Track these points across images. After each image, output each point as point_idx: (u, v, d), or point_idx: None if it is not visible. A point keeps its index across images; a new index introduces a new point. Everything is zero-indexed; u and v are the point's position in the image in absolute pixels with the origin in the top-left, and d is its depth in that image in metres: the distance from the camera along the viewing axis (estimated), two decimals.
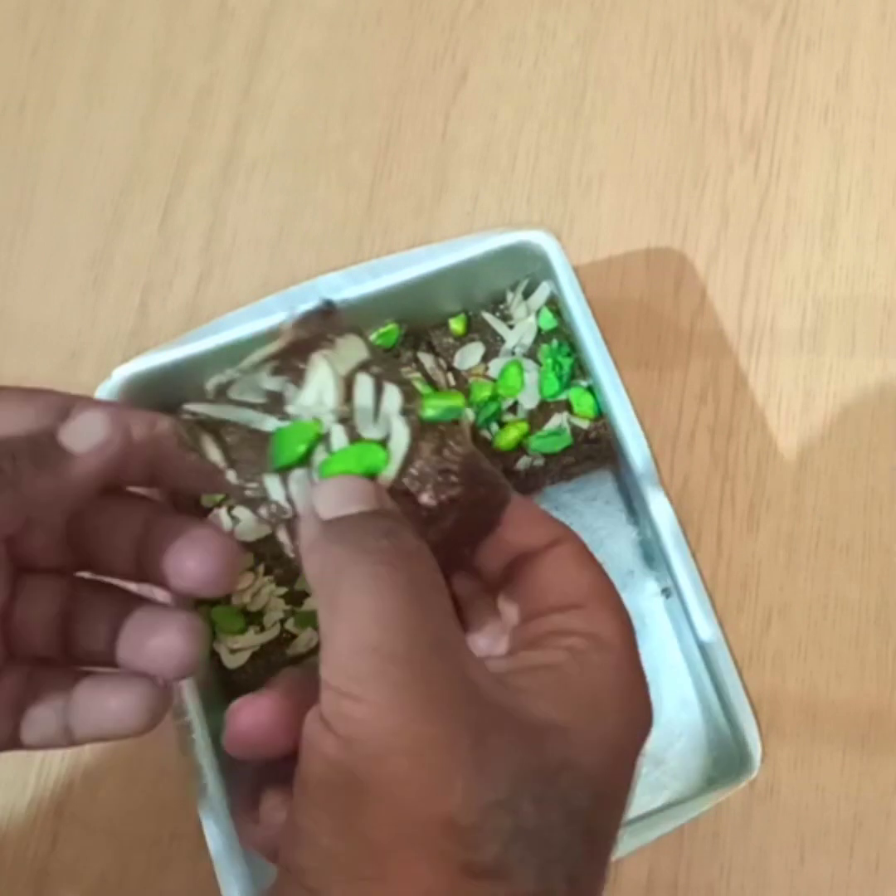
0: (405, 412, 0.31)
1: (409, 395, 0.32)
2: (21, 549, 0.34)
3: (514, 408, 0.48)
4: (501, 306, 0.50)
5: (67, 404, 0.33)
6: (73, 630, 0.34)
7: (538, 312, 0.49)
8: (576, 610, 0.30)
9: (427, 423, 0.31)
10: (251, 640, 0.46)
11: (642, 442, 0.45)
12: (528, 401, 0.48)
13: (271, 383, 0.32)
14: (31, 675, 0.33)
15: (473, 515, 0.31)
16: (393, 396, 0.32)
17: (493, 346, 0.50)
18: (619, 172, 0.56)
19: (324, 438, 0.30)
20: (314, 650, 0.45)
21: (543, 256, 0.47)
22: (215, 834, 0.42)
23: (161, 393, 0.48)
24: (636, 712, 0.30)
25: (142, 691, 0.32)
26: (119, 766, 0.49)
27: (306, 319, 0.33)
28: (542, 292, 0.50)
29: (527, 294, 0.50)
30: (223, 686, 0.46)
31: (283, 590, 0.46)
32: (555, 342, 0.49)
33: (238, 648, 0.46)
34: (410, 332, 0.50)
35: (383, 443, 0.31)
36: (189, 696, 0.43)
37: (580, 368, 0.48)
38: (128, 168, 0.59)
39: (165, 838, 0.48)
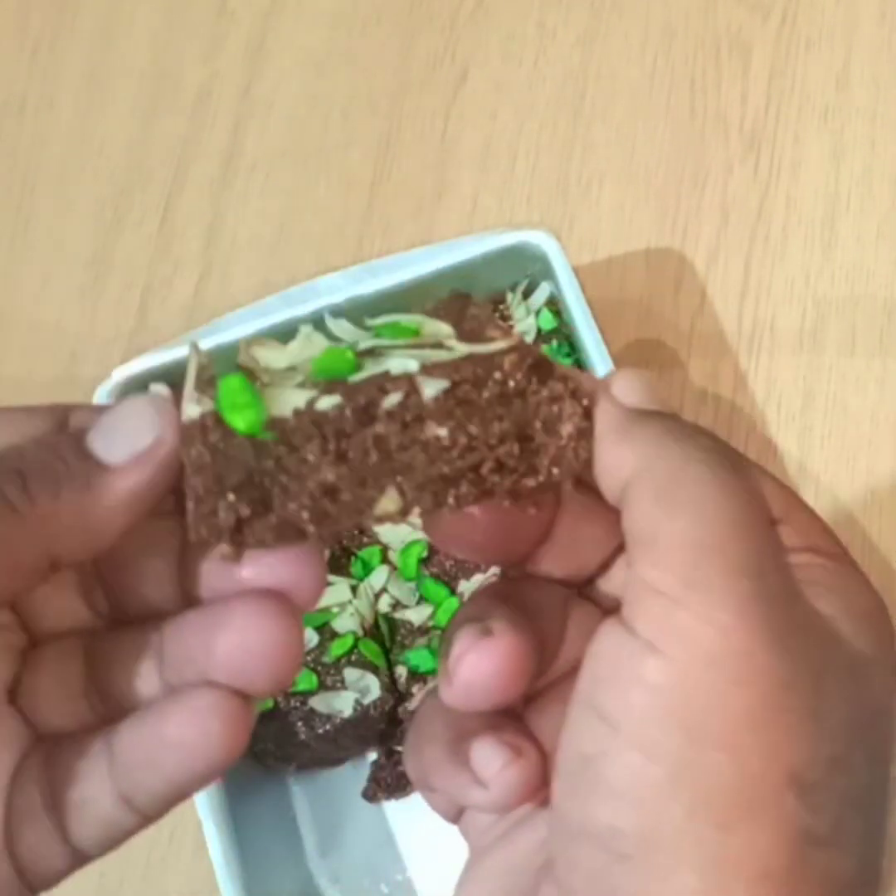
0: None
1: None
2: (33, 609, 0.25)
3: None
4: (501, 306, 0.50)
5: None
6: (101, 682, 0.25)
7: (538, 313, 0.49)
8: (781, 526, 0.24)
9: None
10: None
11: None
12: None
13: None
14: (54, 755, 0.24)
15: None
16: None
17: None
18: (619, 172, 0.56)
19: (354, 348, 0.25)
20: (314, 650, 0.45)
21: (543, 257, 0.47)
22: (215, 834, 0.42)
23: None
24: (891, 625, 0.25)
25: (206, 702, 0.22)
26: None
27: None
28: (542, 292, 0.50)
29: (527, 294, 0.50)
30: None
31: None
32: (555, 342, 0.49)
33: None
34: None
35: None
36: None
37: (580, 369, 0.48)
38: (128, 168, 0.59)
39: (165, 838, 0.48)
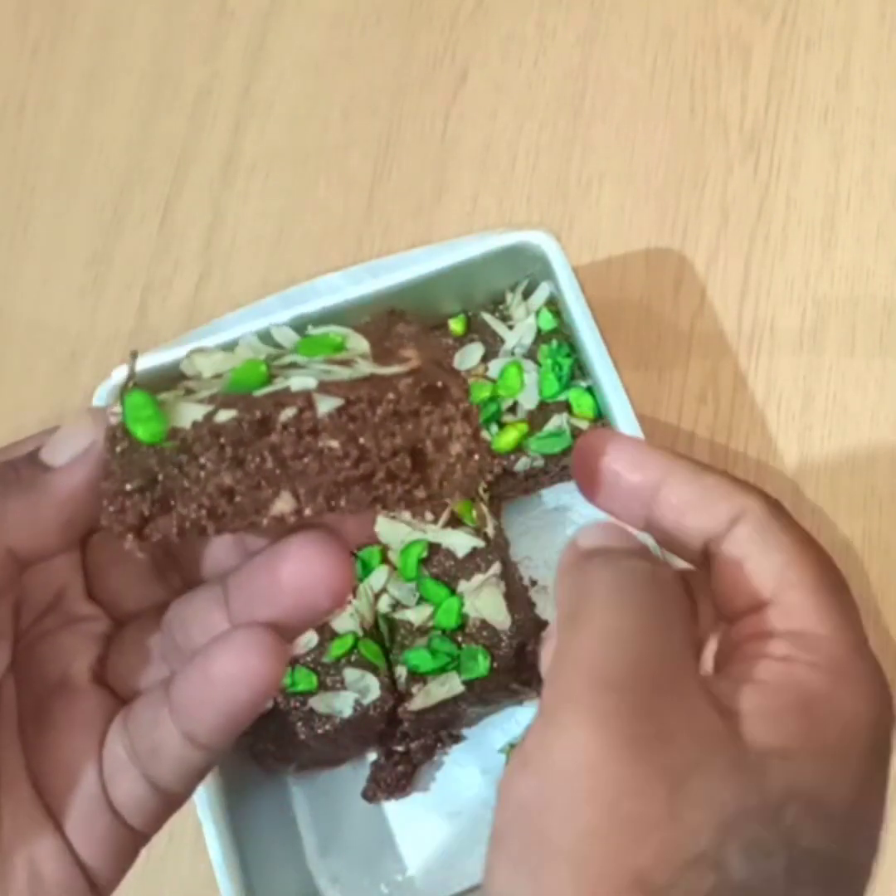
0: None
1: None
2: (115, 598, 0.29)
3: (513, 408, 0.48)
4: (501, 307, 0.50)
5: None
6: (178, 643, 0.28)
7: (538, 313, 0.49)
8: (769, 607, 0.26)
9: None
10: None
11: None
12: (528, 401, 0.48)
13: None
14: (130, 713, 0.28)
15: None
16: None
17: (492, 346, 0.50)
18: (619, 172, 0.56)
19: (270, 359, 0.28)
20: (313, 650, 0.45)
21: (543, 257, 0.47)
22: (215, 834, 0.42)
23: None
24: (868, 709, 0.25)
25: (244, 641, 0.25)
26: None
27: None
28: (542, 293, 0.50)
29: (526, 294, 0.50)
30: None
31: None
32: (554, 343, 0.49)
33: None
34: None
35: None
36: None
37: (580, 369, 0.48)
38: (127, 168, 0.59)
39: (165, 838, 0.48)
